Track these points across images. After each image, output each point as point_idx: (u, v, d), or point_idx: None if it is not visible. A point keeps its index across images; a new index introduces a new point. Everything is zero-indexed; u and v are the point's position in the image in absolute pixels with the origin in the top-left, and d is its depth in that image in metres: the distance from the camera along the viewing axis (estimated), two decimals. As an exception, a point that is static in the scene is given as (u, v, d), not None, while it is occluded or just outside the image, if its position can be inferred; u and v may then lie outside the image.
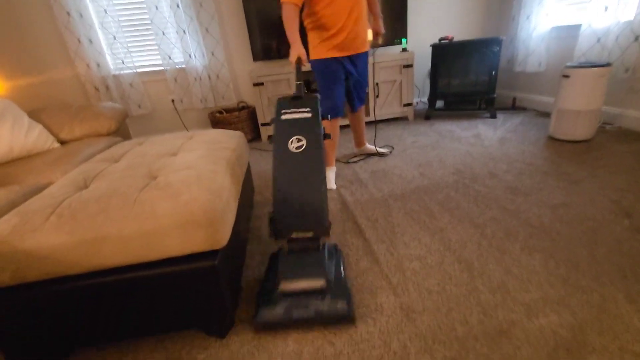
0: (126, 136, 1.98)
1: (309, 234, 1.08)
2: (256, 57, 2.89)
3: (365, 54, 1.87)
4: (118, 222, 0.75)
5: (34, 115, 1.80)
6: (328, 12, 1.62)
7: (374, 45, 1.98)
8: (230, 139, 1.33)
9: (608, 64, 1.93)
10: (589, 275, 1.04)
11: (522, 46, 2.86)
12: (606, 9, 2.14)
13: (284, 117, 1.18)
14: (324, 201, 1.07)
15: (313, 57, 1.75)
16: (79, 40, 2.61)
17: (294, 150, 1.12)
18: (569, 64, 2.05)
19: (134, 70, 2.85)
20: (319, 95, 1.26)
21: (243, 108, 3.11)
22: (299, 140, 1.13)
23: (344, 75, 1.80)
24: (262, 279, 1.10)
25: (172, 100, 3.04)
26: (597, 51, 2.24)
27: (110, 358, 0.94)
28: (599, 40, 2.21)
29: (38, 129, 1.67)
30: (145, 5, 2.66)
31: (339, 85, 1.78)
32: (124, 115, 1.92)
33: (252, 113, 3.01)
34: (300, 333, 0.95)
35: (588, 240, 1.21)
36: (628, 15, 2.06)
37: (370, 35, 1.89)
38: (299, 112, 1.18)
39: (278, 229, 1.06)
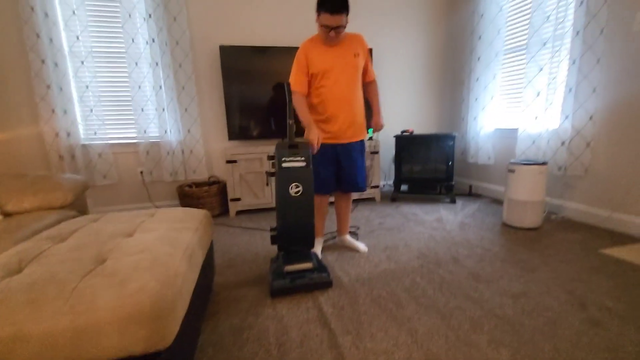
0: (83, 209, 1.87)
1: (301, 247, 1.70)
2: (232, 137, 3.03)
3: (362, 143, 1.93)
4: (46, 317, 0.66)
5: (-17, 182, 1.68)
6: (322, 104, 1.77)
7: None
8: (193, 219, 1.29)
9: (544, 163, 2.21)
10: (556, 374, 1.02)
11: (472, 142, 3.25)
12: (536, 117, 2.55)
13: (284, 164, 1.56)
14: (312, 228, 1.65)
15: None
16: (53, 111, 2.63)
17: (293, 194, 1.57)
18: (512, 160, 2.33)
19: (106, 142, 2.85)
20: (309, 141, 1.63)
21: (214, 183, 3.11)
22: (297, 186, 1.57)
23: (334, 159, 1.85)
24: (270, 271, 1.68)
25: (141, 172, 3.00)
26: (533, 151, 2.58)
27: None
28: (534, 142, 2.57)
29: (-18, 197, 1.54)
30: (128, 85, 2.81)
31: (326, 167, 1.84)
32: (83, 188, 1.83)
33: (222, 188, 3.01)
34: None
35: (549, 332, 1.21)
36: (554, 124, 2.45)
37: (367, 129, 1.97)
38: (296, 160, 1.57)
39: (281, 246, 1.66)
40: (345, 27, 1.66)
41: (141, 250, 0.90)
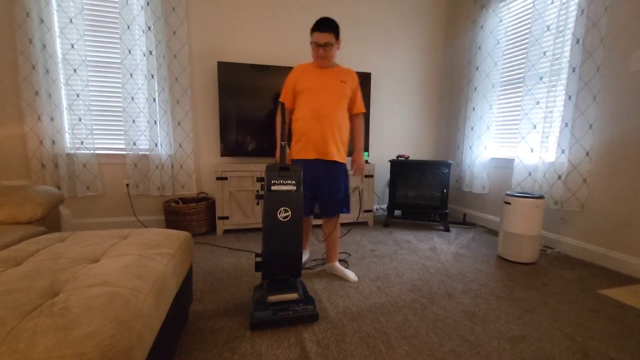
0: (54, 224, 1.74)
1: (287, 277, 1.57)
2: (224, 153, 2.95)
3: (340, 166, 1.91)
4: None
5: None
6: (303, 119, 1.86)
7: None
8: (171, 243, 1.19)
9: (541, 196, 2.16)
10: None
11: (467, 170, 3.21)
12: (532, 150, 2.53)
13: (273, 187, 1.47)
14: (300, 256, 1.56)
15: (291, 156, 1.95)
16: (39, 118, 2.54)
17: (281, 219, 1.48)
18: (508, 192, 2.28)
19: (92, 152, 2.75)
20: (301, 169, 1.54)
21: (202, 199, 3.01)
22: (286, 211, 1.48)
23: (309, 179, 1.82)
24: (252, 300, 1.55)
25: (127, 185, 2.89)
26: (530, 183, 2.54)
27: None
28: (530, 174, 2.54)
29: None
30: (121, 95, 2.74)
31: (304, 187, 1.79)
32: (57, 201, 1.71)
33: (211, 205, 2.90)
34: None
35: (552, 387, 1.11)
36: (550, 157, 2.43)
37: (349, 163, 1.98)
38: (286, 184, 1.48)
39: (266, 273, 1.53)
40: (333, 46, 1.80)
41: (102, 282, 0.80)
